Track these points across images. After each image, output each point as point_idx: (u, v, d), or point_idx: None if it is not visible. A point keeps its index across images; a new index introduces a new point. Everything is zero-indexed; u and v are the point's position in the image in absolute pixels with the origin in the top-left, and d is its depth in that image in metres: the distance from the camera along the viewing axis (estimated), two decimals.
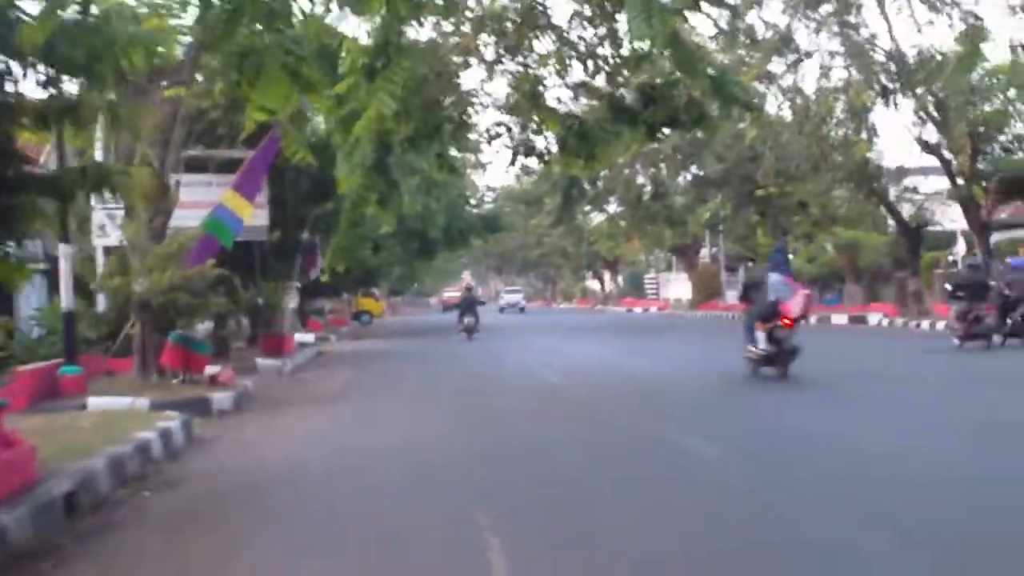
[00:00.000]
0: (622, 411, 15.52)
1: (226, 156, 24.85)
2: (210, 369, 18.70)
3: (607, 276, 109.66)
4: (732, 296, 69.00)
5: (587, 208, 71.40)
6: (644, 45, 17.86)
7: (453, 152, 50.02)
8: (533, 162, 23.60)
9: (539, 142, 22.79)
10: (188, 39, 19.38)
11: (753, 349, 18.55)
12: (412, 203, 45.87)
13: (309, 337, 42.70)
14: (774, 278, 18.82)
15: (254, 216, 25.46)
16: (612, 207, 67.60)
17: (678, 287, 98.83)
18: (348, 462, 11.50)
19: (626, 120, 21.34)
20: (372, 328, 62.32)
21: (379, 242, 49.47)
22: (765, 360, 18.34)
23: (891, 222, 45.52)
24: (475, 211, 57.08)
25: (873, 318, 42.83)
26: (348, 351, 36.62)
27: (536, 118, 21.65)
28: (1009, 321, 23.95)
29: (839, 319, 43.88)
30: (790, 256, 27.96)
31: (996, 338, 23.72)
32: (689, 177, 57.53)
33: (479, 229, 55.61)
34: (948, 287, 26.05)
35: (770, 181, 42.53)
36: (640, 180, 59.25)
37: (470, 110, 21.28)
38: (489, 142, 22.44)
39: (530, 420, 14.99)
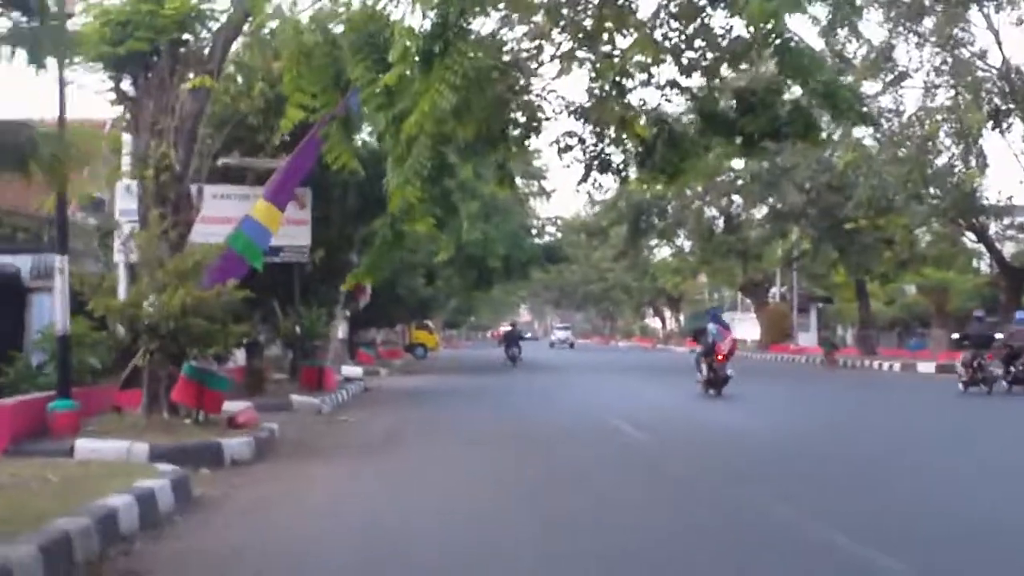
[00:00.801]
0: (728, 482, 12.57)
1: (266, 166, 22.18)
2: (230, 407, 15.99)
3: (668, 314, 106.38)
4: (806, 339, 65.87)
5: (654, 241, 68.45)
6: (750, 30, 15.20)
7: (518, 167, 48.27)
8: (608, 180, 20.57)
9: (616, 156, 19.86)
10: (215, 23, 17.01)
11: (699, 378, 26.07)
12: (471, 229, 43.33)
13: (357, 371, 40.07)
14: (711, 327, 26.16)
15: (290, 231, 22.95)
16: (681, 240, 64.32)
17: (743, 327, 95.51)
18: (380, 548, 8.62)
19: (720, 129, 18.41)
20: (426, 362, 59.46)
21: (435, 270, 46.79)
22: (707, 384, 25.70)
23: (985, 263, 42.23)
24: (536, 241, 54.04)
25: None
26: (398, 387, 33.80)
27: (615, 124, 18.70)
28: (1012, 369, 26.05)
29: (926, 367, 40.41)
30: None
31: (1003, 384, 26.07)
32: (765, 209, 54.31)
33: (540, 260, 52.69)
34: (955, 336, 30.01)
35: (860, 213, 39.28)
36: (712, 211, 56.25)
37: (540, 113, 18.25)
38: (560, 154, 19.42)
39: (616, 490, 12.00)
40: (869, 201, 36.30)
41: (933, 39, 32.18)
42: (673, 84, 17.87)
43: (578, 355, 69.25)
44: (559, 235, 65.21)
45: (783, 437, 17.72)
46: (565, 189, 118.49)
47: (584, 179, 20.00)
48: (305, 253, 23.20)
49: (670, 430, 18.57)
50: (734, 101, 18.12)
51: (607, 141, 19.58)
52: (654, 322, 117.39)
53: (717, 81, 18.26)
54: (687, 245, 64.62)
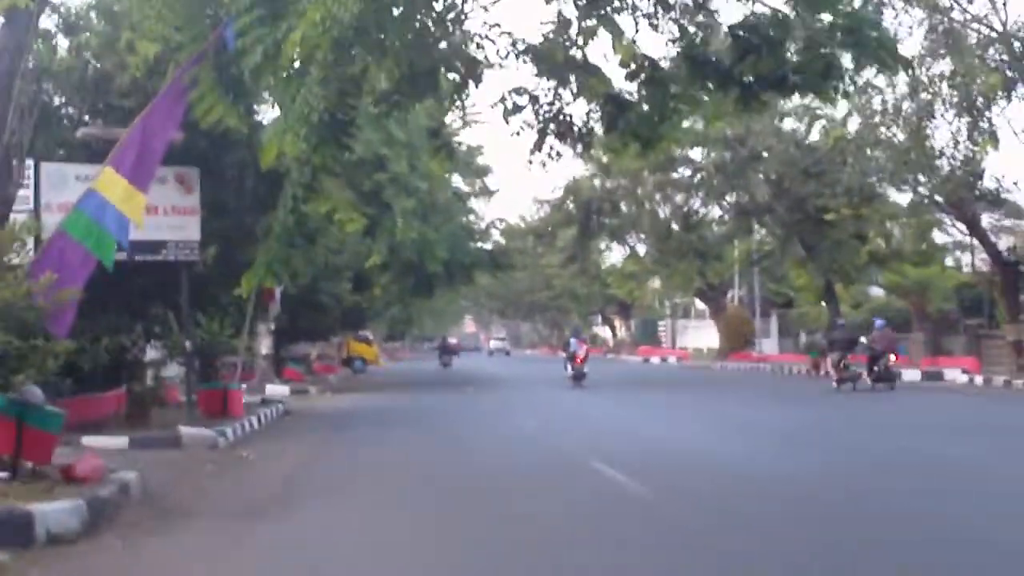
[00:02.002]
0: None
1: None
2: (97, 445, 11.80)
3: (619, 323, 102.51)
4: (769, 345, 62.09)
5: (604, 243, 64.51)
6: None
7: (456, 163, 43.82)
8: (567, 147, 16.46)
9: (578, 116, 15.78)
10: None
11: (567, 374, 37.49)
12: (406, 229, 39.03)
13: (283, 390, 35.78)
14: (572, 341, 38.78)
15: (174, 223, 18.70)
16: (634, 241, 60.19)
17: (697, 335, 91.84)
18: None
19: (712, 76, 14.36)
20: (364, 377, 55.05)
21: (366, 276, 42.44)
22: (573, 379, 36.60)
23: (967, 260, 38.60)
24: (481, 245, 49.67)
25: (950, 373, 36.08)
26: (325, 409, 29.47)
27: (575, 72, 14.58)
28: (876, 369, 30.84)
29: (911, 374, 36.56)
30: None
31: (867, 381, 30.83)
32: (726, 205, 50.38)
33: (485, 264, 48.33)
34: (824, 341, 36.65)
35: (842, 202, 35.41)
36: (668, 209, 52.34)
37: (481, 52, 13.96)
38: (506, 117, 15.27)
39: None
40: (853, 187, 32.41)
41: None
42: (653, 15, 13.77)
43: (524, 366, 65.18)
44: (504, 239, 61.14)
45: (835, 480, 13.69)
46: (509, 189, 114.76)
47: (538, 147, 15.95)
48: (195, 250, 18.79)
49: (654, 468, 14.43)
50: (730, 40, 14.09)
51: (565, 98, 15.52)
52: (603, 331, 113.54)
53: (704, 17, 14.31)
54: (641, 248, 60.43)
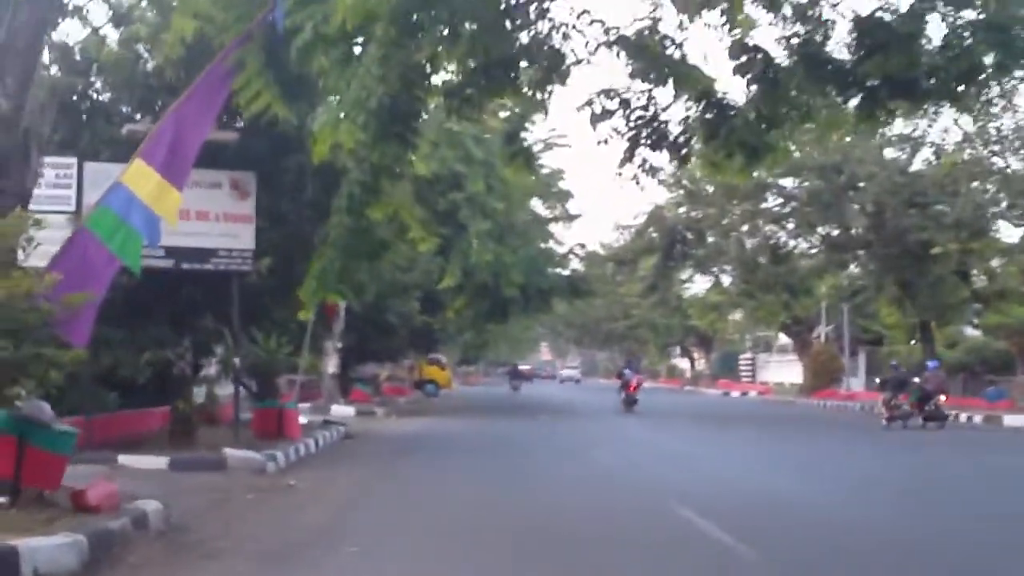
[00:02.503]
0: None
1: None
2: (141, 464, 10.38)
3: (697, 354, 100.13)
4: (857, 383, 59.65)
5: (687, 273, 62.50)
6: None
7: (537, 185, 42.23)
8: (662, 159, 14.74)
9: (674, 122, 14.07)
10: None
11: (620, 399, 42.12)
12: (482, 251, 37.55)
13: (348, 411, 34.56)
14: (627, 371, 43.28)
15: (227, 230, 17.30)
16: (718, 272, 57.93)
17: (779, 370, 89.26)
18: None
19: (831, 78, 12.61)
20: (435, 401, 53.55)
21: (439, 298, 40.95)
22: (625, 404, 41.10)
23: None
24: (559, 271, 47.85)
25: None
26: (389, 433, 27.96)
27: (673, 73, 12.85)
28: (927, 408, 31.40)
29: (1013, 419, 34.02)
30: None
31: (917, 420, 31.31)
32: (817, 238, 48.15)
33: (563, 291, 46.57)
34: (877, 381, 39.47)
35: (949, 236, 33.20)
36: (756, 240, 50.21)
37: (568, 44, 12.26)
38: (593, 123, 13.62)
39: None
40: (964, 220, 30.23)
41: None
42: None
43: (598, 396, 63.28)
44: (582, 266, 59.50)
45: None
46: (590, 215, 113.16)
47: (628, 158, 14.25)
48: (248, 259, 17.34)
49: (743, 514, 12.64)
50: (855, 35, 12.35)
51: (660, 102, 13.85)
52: (681, 362, 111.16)
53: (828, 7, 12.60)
54: (725, 279, 58.25)
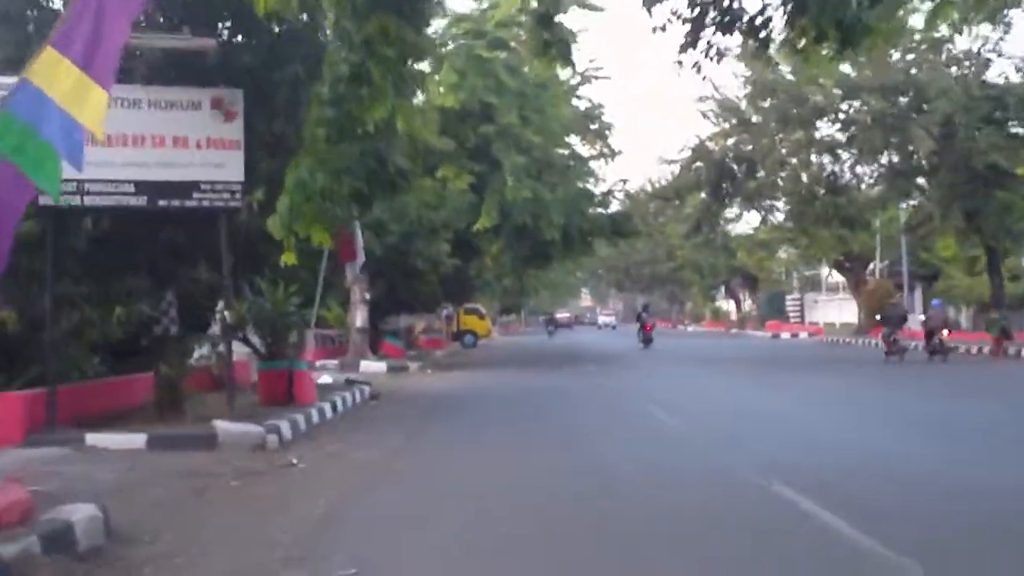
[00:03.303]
0: None
1: (171, 45, 13.75)
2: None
3: (743, 296, 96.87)
4: (916, 322, 56.44)
5: (734, 211, 59.24)
6: None
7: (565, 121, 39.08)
8: (732, 41, 11.82)
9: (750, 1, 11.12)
10: None
11: (640, 340, 48.83)
12: (518, 188, 34.61)
13: (379, 367, 31.91)
14: (643, 315, 51.23)
15: (210, 158, 14.49)
16: (768, 206, 54.42)
17: (827, 309, 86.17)
18: None
19: None
20: (473, 352, 50.95)
21: (474, 243, 38.05)
22: (643, 343, 48.20)
23: None
24: (601, 211, 44.66)
25: None
26: (420, 390, 25.24)
27: None
28: (931, 343, 33.72)
29: None
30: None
31: (916, 354, 34.49)
32: (878, 166, 44.71)
33: (606, 231, 43.44)
34: (877, 317, 39.29)
35: None
36: (809, 172, 46.83)
37: None
38: (648, 7, 10.72)
39: None
40: None
41: None
42: None
43: (660, 342, 60.68)
44: (625, 205, 56.35)
45: None
46: (631, 152, 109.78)
47: (691, 43, 11.33)
48: (236, 193, 14.42)
49: (890, 505, 9.58)
50: None
51: None
52: (726, 304, 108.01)
53: None
54: (778, 215, 54.78)
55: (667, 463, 12.15)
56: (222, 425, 13.99)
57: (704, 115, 49.43)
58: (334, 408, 18.55)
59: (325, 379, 25.73)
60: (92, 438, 13.57)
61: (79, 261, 14.36)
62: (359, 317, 34.12)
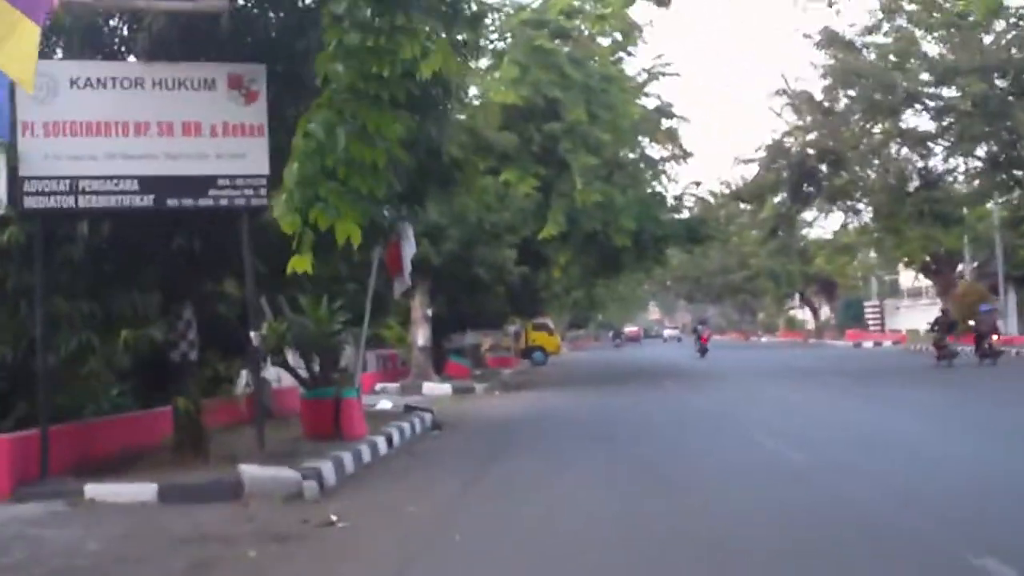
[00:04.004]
0: None
1: (177, 7, 11.30)
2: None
3: (820, 303, 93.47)
4: (1010, 326, 53.17)
5: (813, 214, 56.04)
6: None
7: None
8: None
9: None
10: None
11: (696, 349, 55.00)
12: (588, 191, 32.01)
13: (443, 389, 29.60)
14: (699, 327, 60.65)
15: (227, 147, 12.12)
16: (852, 208, 50.97)
17: (911, 316, 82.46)
18: None
19: None
20: (544, 370, 48.28)
21: (541, 251, 35.48)
22: (700, 352, 53.44)
23: None
24: (673, 215, 41.74)
25: None
26: (491, 415, 22.76)
27: None
28: (982, 347, 35.03)
29: None
30: None
31: (973, 358, 35.07)
32: (975, 158, 41.36)
33: (681, 237, 40.64)
34: (927, 324, 41.79)
35: None
36: (900, 164, 43.64)
37: None
38: None
39: None
40: None
41: None
42: None
43: (719, 356, 57.79)
44: (697, 209, 53.29)
45: None
46: (701, 155, 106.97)
47: None
48: (262, 189, 11.94)
49: None
50: None
51: None
52: (801, 313, 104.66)
53: None
54: (864, 215, 51.39)
55: (816, 523, 9.24)
56: (249, 470, 11.49)
57: (777, 113, 46.57)
58: (389, 442, 16.05)
59: (384, 404, 23.34)
60: (93, 489, 11.17)
61: (76, 274, 11.94)
62: (421, 335, 31.66)
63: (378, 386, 30.22)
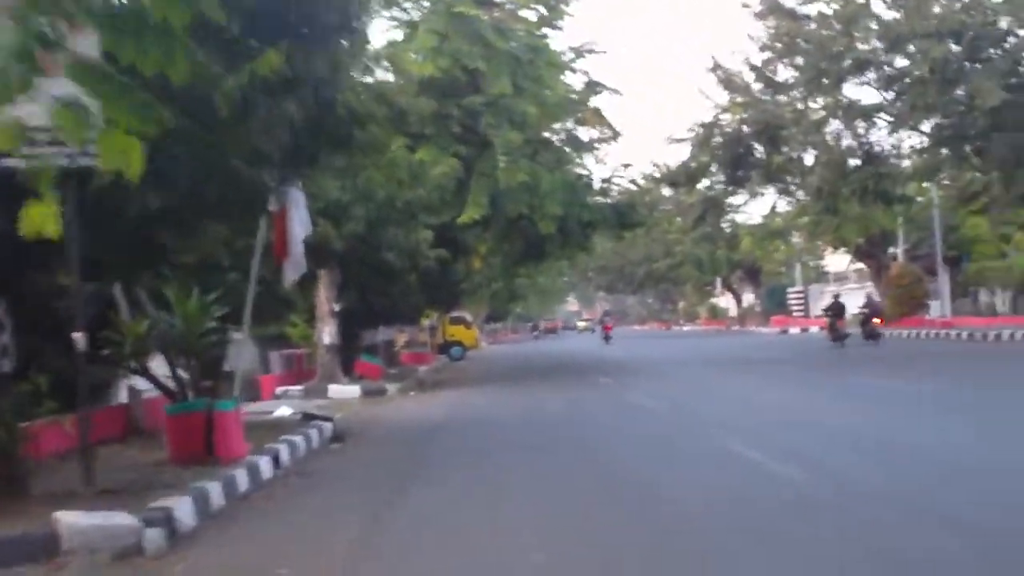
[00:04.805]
0: None
1: None
2: None
3: (744, 290, 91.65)
4: (938, 308, 51.65)
5: (739, 200, 53.77)
6: None
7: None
8: None
9: None
10: None
11: (601, 337, 60.56)
12: (512, 170, 29.10)
13: (352, 391, 26.58)
14: (606, 318, 68.64)
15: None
16: (788, 187, 48.36)
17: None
18: None
19: None
20: (462, 367, 45.43)
21: (459, 237, 32.44)
22: (604, 340, 59.30)
23: None
24: (600, 200, 38.67)
25: None
26: (403, 421, 19.85)
27: None
28: (866, 329, 39.19)
29: None
30: None
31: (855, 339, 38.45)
32: (920, 133, 38.82)
33: (610, 222, 37.59)
34: (821, 310, 50.62)
35: None
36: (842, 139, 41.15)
37: None
38: None
39: None
40: None
41: None
42: None
43: (646, 346, 55.50)
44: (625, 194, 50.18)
45: None
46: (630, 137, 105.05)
47: None
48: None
49: None
50: None
51: None
52: (723, 301, 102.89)
53: None
54: (799, 195, 48.89)
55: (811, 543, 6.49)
56: (68, 520, 8.33)
57: (706, 96, 43.86)
58: (276, 461, 12.94)
59: (283, 411, 20.23)
60: None
61: None
62: (327, 332, 28.43)
63: (279, 390, 27.20)
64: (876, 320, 39.43)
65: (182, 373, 12.99)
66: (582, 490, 10.37)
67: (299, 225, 13.04)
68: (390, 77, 28.30)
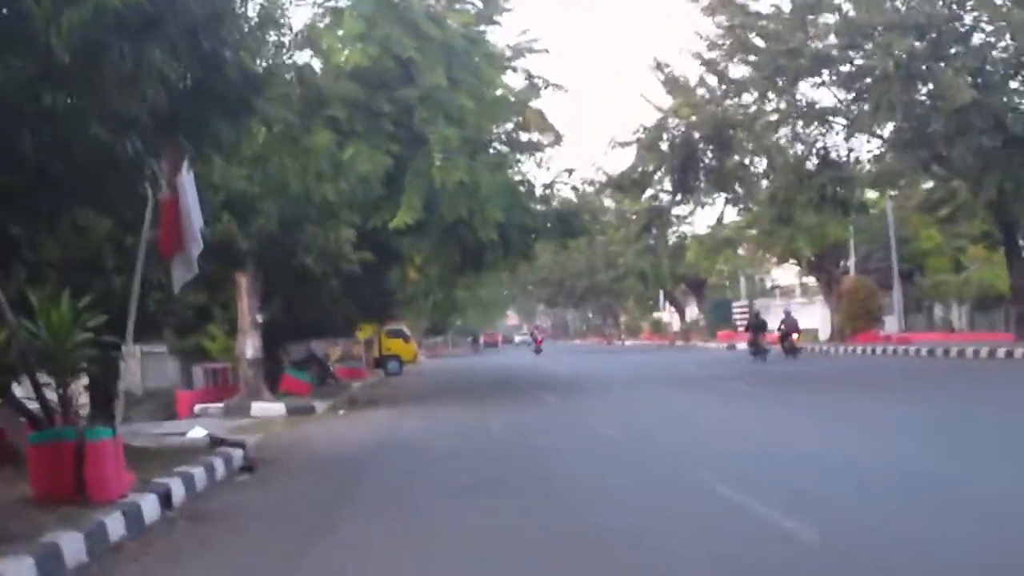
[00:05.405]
0: None
1: None
2: None
3: (688, 303, 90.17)
4: (891, 324, 50.46)
5: (688, 208, 51.93)
6: None
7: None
8: None
9: None
10: None
11: (532, 350, 69.34)
12: (448, 168, 26.95)
13: (276, 409, 24.36)
14: (536, 331, 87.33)
15: None
16: (739, 195, 46.27)
17: (778, 316, 79.97)
18: None
19: None
20: (399, 382, 43.27)
21: (393, 244, 30.16)
22: (535, 352, 67.77)
23: None
24: (540, 207, 36.44)
25: None
26: (331, 446, 17.64)
27: None
28: (785, 345, 41.46)
29: None
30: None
31: (773, 355, 40.16)
32: (880, 139, 37.04)
33: (553, 230, 35.47)
34: (743, 325, 55.87)
35: None
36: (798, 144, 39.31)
37: None
38: None
39: None
40: None
41: None
42: None
43: (591, 361, 53.93)
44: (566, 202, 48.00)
45: None
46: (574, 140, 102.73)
47: None
48: None
49: None
50: None
51: None
52: (667, 315, 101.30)
53: None
54: (750, 204, 47.01)
55: None
56: None
57: (647, 100, 42.07)
58: (165, 502, 10.67)
59: (197, 432, 17.89)
60: None
61: None
62: (249, 346, 26.05)
63: (199, 407, 24.92)
64: (794, 336, 41.76)
65: (49, 394, 10.67)
66: (543, 552, 8.13)
67: (191, 212, 10.73)
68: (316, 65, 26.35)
